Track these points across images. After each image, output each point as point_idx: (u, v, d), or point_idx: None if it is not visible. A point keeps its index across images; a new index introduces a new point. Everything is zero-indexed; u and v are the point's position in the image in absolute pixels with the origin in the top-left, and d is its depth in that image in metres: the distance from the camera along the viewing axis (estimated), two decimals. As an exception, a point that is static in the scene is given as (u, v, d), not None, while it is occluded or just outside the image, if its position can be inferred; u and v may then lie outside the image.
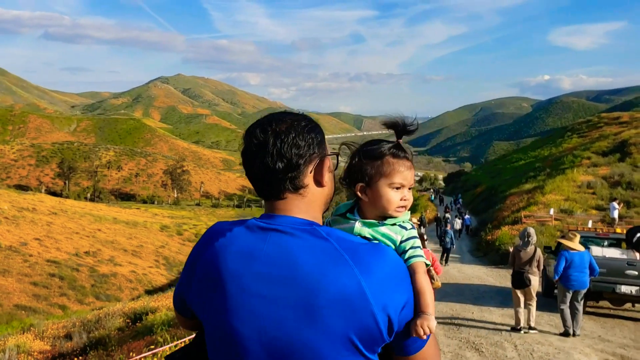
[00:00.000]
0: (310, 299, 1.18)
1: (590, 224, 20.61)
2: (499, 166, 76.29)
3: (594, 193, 27.64)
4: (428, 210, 45.68)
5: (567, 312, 8.79)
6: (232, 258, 1.26)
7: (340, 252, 1.22)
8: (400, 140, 1.60)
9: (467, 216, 36.17)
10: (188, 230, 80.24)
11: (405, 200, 1.61)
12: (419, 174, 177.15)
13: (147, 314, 16.97)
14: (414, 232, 1.66)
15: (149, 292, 42.49)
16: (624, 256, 11.45)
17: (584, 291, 8.85)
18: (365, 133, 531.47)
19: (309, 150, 1.31)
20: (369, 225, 1.57)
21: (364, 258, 1.22)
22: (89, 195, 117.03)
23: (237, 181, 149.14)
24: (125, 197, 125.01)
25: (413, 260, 1.54)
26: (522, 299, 9.07)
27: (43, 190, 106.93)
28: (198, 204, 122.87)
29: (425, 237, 11.57)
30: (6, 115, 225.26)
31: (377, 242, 1.49)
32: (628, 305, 11.44)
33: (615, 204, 21.61)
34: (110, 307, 23.39)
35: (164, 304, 19.11)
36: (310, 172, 1.33)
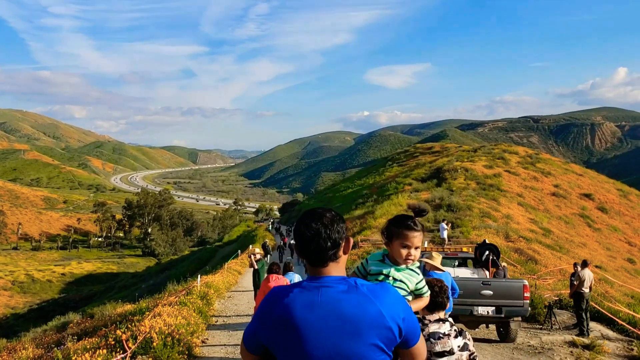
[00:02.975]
0: (355, 325, 1.95)
1: (426, 244, 22.27)
2: (329, 195, 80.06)
3: (419, 216, 30.27)
4: (267, 240, 46.29)
5: None
6: (299, 309, 1.99)
7: (365, 293, 2.00)
8: (417, 219, 3.02)
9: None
10: (3, 277, 71.64)
11: (410, 256, 3.01)
12: (256, 205, 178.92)
13: None
14: (422, 277, 3.18)
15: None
16: (475, 275, 11.28)
17: (448, 314, 8.60)
18: (201, 166, 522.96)
19: (343, 234, 2.12)
20: (398, 270, 3.06)
21: (378, 293, 2.02)
22: None
23: (61, 220, 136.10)
24: None
25: (425, 296, 3.22)
26: None
27: None
28: (15, 248, 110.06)
29: (291, 264, 11.78)
30: None
31: (383, 281, 2.88)
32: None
33: (444, 224, 23.69)
34: None
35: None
36: (342, 247, 2.13)
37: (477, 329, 11.33)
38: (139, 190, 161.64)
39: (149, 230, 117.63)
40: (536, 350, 9.62)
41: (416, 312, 3.05)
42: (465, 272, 11.55)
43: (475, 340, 10.57)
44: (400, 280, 3.08)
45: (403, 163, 70.04)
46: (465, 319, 10.19)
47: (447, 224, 23.97)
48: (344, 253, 2.15)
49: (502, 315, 9.89)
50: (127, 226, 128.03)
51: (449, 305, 8.09)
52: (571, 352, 9.27)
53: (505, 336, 10.37)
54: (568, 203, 44.37)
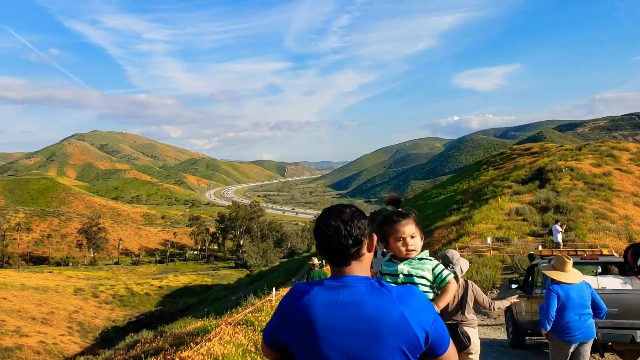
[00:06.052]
0: (375, 328, 1.81)
1: (539, 248, 19.25)
2: (420, 202, 76.91)
3: (524, 220, 27.31)
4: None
5: None
6: (318, 308, 1.86)
7: (388, 294, 1.86)
8: (401, 209, 3.06)
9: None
10: (105, 291, 74.78)
11: (409, 246, 3.00)
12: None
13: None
14: (436, 262, 3.11)
15: (60, 364, 38.29)
16: (629, 286, 8.49)
17: (590, 343, 5.86)
18: (289, 179, 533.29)
19: (365, 230, 1.97)
20: (407, 263, 3.03)
21: (402, 296, 1.86)
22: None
23: (158, 235, 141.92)
24: (37, 261, 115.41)
25: (449, 279, 3.13)
26: None
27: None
28: (117, 263, 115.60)
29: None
30: None
31: (408, 284, 2.91)
32: None
33: (557, 226, 20.26)
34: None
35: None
36: (365, 244, 1.98)
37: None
38: (231, 203, 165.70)
39: (241, 242, 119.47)
40: None
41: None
42: (613, 282, 8.58)
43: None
44: (415, 275, 3.01)
45: (499, 166, 65.87)
46: (623, 348, 7.41)
47: (561, 226, 20.67)
48: (368, 251, 2.00)
49: None
50: (221, 239, 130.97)
51: (592, 329, 5.68)
52: None
53: None
54: (695, 203, 39.27)
